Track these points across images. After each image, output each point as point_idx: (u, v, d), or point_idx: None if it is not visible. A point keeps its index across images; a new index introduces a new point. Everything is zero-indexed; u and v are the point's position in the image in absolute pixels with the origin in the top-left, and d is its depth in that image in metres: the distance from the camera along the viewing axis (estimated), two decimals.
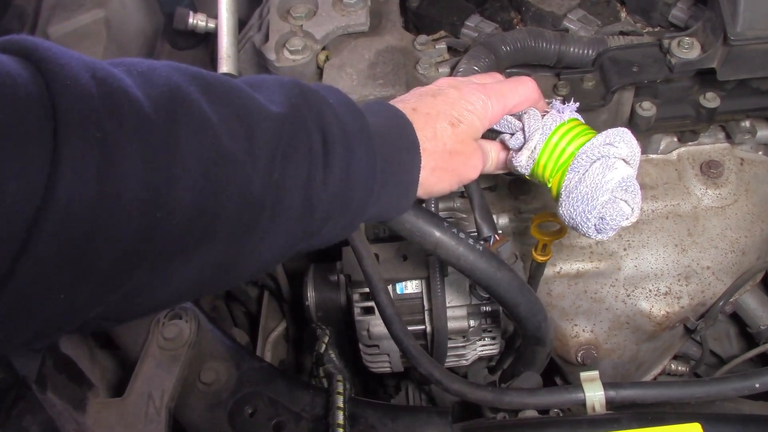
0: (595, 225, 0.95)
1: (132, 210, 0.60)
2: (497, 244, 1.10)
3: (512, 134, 1.01)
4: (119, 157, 0.59)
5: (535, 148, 0.98)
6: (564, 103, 1.02)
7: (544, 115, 1.00)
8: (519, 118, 1.01)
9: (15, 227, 0.54)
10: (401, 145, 0.88)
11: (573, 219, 0.96)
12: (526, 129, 0.99)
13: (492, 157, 1.04)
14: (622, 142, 0.95)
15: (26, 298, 0.57)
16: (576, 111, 1.03)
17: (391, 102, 0.94)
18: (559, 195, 0.97)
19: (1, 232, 0.54)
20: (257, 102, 0.74)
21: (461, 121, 0.93)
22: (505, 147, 1.03)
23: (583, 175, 0.94)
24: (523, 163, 0.99)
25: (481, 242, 1.05)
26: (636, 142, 0.97)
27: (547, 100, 1.06)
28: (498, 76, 1.07)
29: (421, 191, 0.93)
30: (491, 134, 1.04)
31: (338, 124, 0.80)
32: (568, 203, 0.96)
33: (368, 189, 0.83)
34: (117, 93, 0.61)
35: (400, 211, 0.94)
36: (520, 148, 0.99)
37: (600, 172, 0.93)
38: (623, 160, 0.95)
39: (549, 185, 0.99)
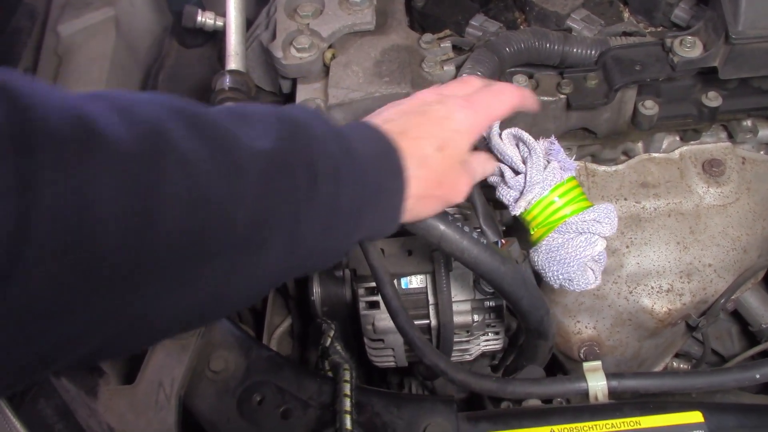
0: (560, 283, 1.08)
1: (110, 253, 0.57)
2: (504, 247, 1.12)
3: (515, 172, 1.08)
4: (95, 200, 0.56)
5: (532, 199, 1.05)
6: (568, 155, 1.12)
7: (546, 165, 1.06)
8: (523, 160, 1.07)
9: None
10: (387, 172, 0.86)
11: (543, 270, 1.08)
12: (527, 177, 1.05)
13: (478, 174, 1.05)
14: (607, 220, 1.06)
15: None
16: (580, 109, 1.07)
17: (378, 119, 0.93)
18: (537, 243, 1.08)
19: None
20: (244, 138, 0.72)
21: (449, 145, 0.93)
22: (490, 159, 1.09)
23: (567, 241, 1.05)
24: (517, 208, 1.07)
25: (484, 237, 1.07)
26: (617, 220, 1.08)
27: (549, 143, 1.09)
28: (476, 82, 1.05)
29: (407, 216, 0.92)
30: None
31: (325, 158, 0.78)
32: (545, 258, 1.07)
33: (355, 220, 0.82)
34: (92, 132, 0.58)
35: (384, 235, 0.93)
36: (517, 192, 1.07)
37: (582, 246, 1.05)
38: (604, 236, 1.06)
39: (531, 232, 1.08)
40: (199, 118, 0.69)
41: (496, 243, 1.11)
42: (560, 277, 1.07)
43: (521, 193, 1.06)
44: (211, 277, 0.68)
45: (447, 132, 0.93)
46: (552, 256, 1.06)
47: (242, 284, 0.73)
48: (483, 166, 1.06)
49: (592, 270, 1.08)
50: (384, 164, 0.86)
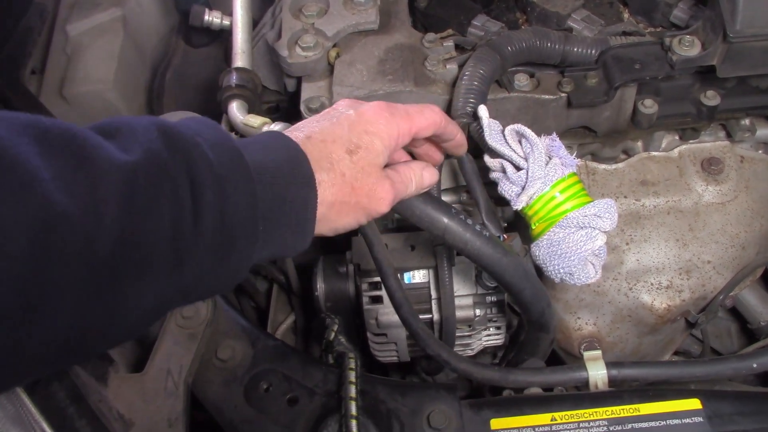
0: (561, 277, 1.09)
1: None
2: (507, 242, 1.14)
3: (517, 168, 1.09)
4: None
5: (533, 194, 1.06)
6: (569, 150, 1.11)
7: (547, 161, 1.08)
8: (525, 156, 1.08)
9: None
10: (292, 180, 0.80)
11: (544, 264, 1.09)
12: (529, 173, 1.07)
13: (413, 183, 0.97)
14: (607, 215, 1.07)
15: None
16: (581, 108, 1.08)
17: (287, 131, 0.87)
18: (538, 238, 1.09)
19: None
20: (104, 151, 0.64)
21: (359, 146, 0.86)
22: (428, 167, 1.03)
23: (568, 236, 1.07)
24: (518, 203, 1.08)
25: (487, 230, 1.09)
26: (617, 215, 1.09)
27: (550, 140, 1.11)
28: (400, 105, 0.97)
29: (323, 227, 0.86)
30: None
31: (208, 166, 0.71)
32: (546, 252, 1.08)
33: (250, 234, 0.75)
34: None
35: (297, 250, 0.84)
36: (519, 188, 1.08)
37: (583, 240, 1.06)
38: (605, 231, 1.08)
39: (533, 227, 1.09)
40: (50, 134, 0.62)
41: (499, 238, 1.13)
42: (561, 271, 1.08)
43: (523, 188, 1.08)
44: (69, 311, 0.60)
45: (357, 134, 0.87)
46: (553, 250, 1.08)
47: (111, 316, 0.65)
48: (418, 175, 0.98)
49: (593, 264, 1.09)
50: (289, 172, 0.80)
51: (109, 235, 0.61)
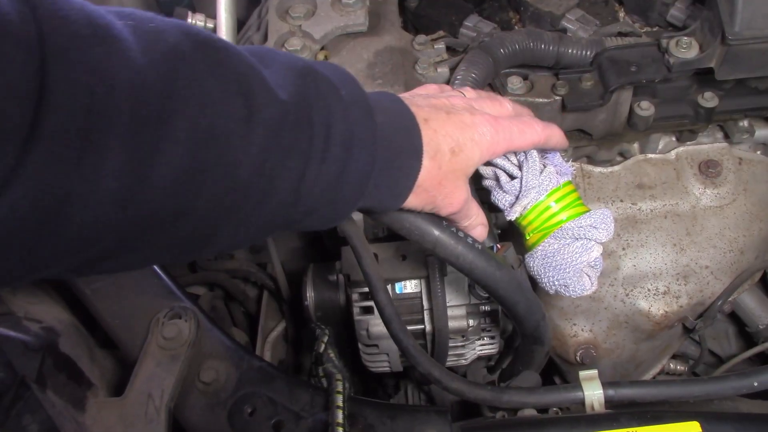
0: (556, 289, 1.06)
1: (110, 181, 0.58)
2: (501, 251, 1.11)
3: (510, 177, 1.06)
4: (104, 125, 0.57)
5: (527, 204, 1.03)
6: (564, 158, 1.09)
7: (542, 169, 1.04)
8: (519, 164, 1.05)
9: None
10: (404, 148, 0.86)
11: (539, 276, 1.07)
12: (523, 182, 1.03)
13: (472, 216, 1.02)
14: (603, 226, 1.04)
15: None
16: (576, 111, 1.05)
17: (405, 100, 0.91)
18: (532, 249, 1.06)
19: None
20: (264, 83, 0.71)
21: (462, 150, 0.92)
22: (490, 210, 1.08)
23: (563, 247, 1.04)
24: (512, 213, 1.05)
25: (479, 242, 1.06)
26: (613, 225, 1.06)
27: (544, 153, 1.08)
28: (507, 106, 1.04)
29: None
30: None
31: (344, 123, 0.78)
32: (541, 263, 1.06)
33: (360, 190, 0.82)
34: (115, 56, 0.59)
35: (389, 209, 0.93)
36: (512, 197, 1.05)
37: (578, 252, 1.04)
38: (600, 242, 1.05)
39: (527, 237, 1.06)
40: (223, 53, 0.68)
41: (492, 248, 1.10)
42: (556, 283, 1.05)
43: (517, 197, 1.05)
44: (201, 218, 0.68)
45: (465, 138, 0.92)
46: (548, 261, 1.05)
47: (233, 230, 0.73)
48: (479, 218, 1.04)
49: (588, 276, 1.07)
50: (404, 141, 0.86)
51: (251, 164, 0.68)
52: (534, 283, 1.11)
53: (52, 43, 0.55)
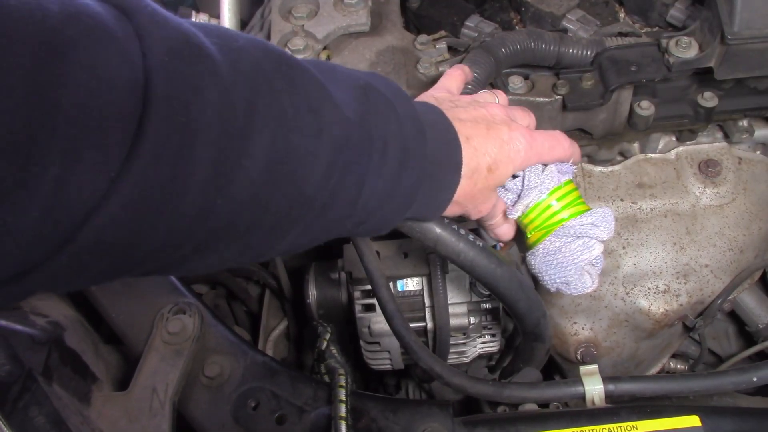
0: (557, 287, 1.06)
1: (196, 194, 0.61)
2: (503, 250, 1.12)
3: (513, 176, 1.05)
4: (197, 141, 0.60)
5: (529, 203, 1.03)
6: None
7: (544, 168, 1.05)
8: None
9: (85, 197, 0.54)
10: (447, 164, 0.89)
11: (540, 274, 1.06)
12: (525, 181, 1.04)
13: (497, 215, 1.05)
14: (605, 224, 1.04)
15: (79, 263, 0.58)
16: (576, 110, 1.06)
17: (450, 113, 0.93)
18: (533, 247, 1.06)
19: (71, 200, 0.53)
20: (332, 100, 0.74)
21: (498, 168, 0.94)
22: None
23: (564, 245, 1.04)
24: (514, 212, 1.05)
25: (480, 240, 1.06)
26: (614, 223, 1.06)
27: None
28: (533, 118, 1.06)
29: None
30: None
31: (400, 139, 0.80)
32: (542, 261, 1.05)
33: (408, 203, 0.85)
34: (208, 75, 0.61)
35: (427, 220, 0.97)
36: (515, 195, 1.05)
37: (579, 249, 1.03)
38: (602, 240, 1.05)
39: (528, 235, 1.06)
40: (296, 71, 0.72)
41: (494, 246, 1.10)
42: (557, 281, 1.06)
43: (519, 196, 1.05)
44: (269, 229, 0.71)
45: (502, 156, 0.94)
46: (549, 259, 1.05)
47: (294, 239, 0.76)
48: (500, 212, 1.06)
49: (589, 274, 1.07)
50: (446, 157, 0.88)
51: (317, 179, 0.71)
52: (535, 281, 1.12)
53: (153, 63, 0.57)
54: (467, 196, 0.93)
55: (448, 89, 1.08)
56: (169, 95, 0.58)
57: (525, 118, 1.04)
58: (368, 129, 0.77)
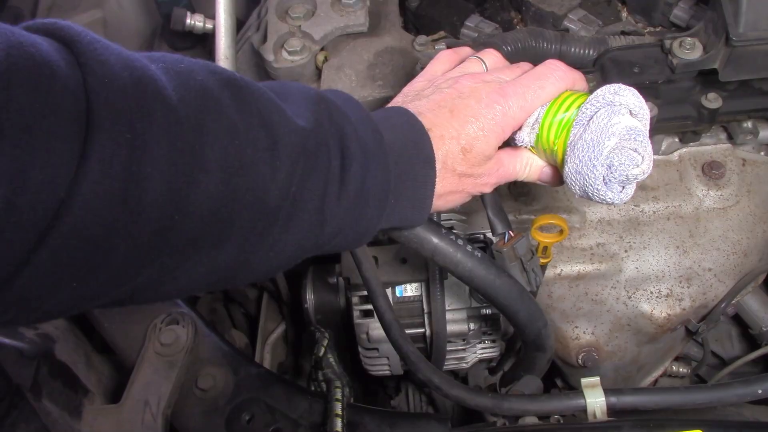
0: (603, 176, 0.90)
1: (152, 211, 0.62)
2: (513, 240, 1.07)
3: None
4: (146, 158, 0.60)
5: (536, 120, 0.94)
6: None
7: None
8: None
9: (37, 217, 0.55)
10: (416, 159, 0.87)
11: (579, 172, 0.90)
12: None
13: (509, 172, 0.98)
14: (628, 91, 0.90)
15: (39, 286, 0.59)
16: None
17: (411, 106, 0.91)
18: (564, 155, 0.92)
19: (22, 220, 0.54)
20: (284, 114, 0.75)
21: (474, 146, 0.90)
22: (533, 159, 0.99)
23: (588, 122, 0.90)
24: (527, 138, 0.95)
25: (479, 249, 1.04)
26: (642, 98, 0.91)
27: None
28: (526, 67, 1.00)
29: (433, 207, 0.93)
30: None
31: (357, 142, 0.80)
32: (573, 156, 0.91)
33: (381, 205, 0.84)
34: (151, 94, 0.63)
35: (414, 224, 0.94)
36: (527, 127, 0.95)
37: (606, 116, 0.89)
38: (629, 110, 0.91)
39: (555, 149, 0.94)
40: (245, 90, 0.73)
41: (504, 234, 1.07)
42: (598, 165, 0.89)
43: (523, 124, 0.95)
44: (237, 245, 0.71)
45: (475, 133, 0.90)
46: (579, 147, 0.90)
47: (265, 255, 0.76)
48: (521, 165, 0.99)
49: (635, 150, 0.89)
50: (414, 153, 0.87)
51: (278, 189, 0.72)
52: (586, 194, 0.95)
53: (94, 86, 0.59)
54: (453, 183, 0.91)
55: (432, 74, 1.02)
56: (111, 118, 0.59)
57: (514, 71, 0.98)
58: (323, 136, 0.77)
